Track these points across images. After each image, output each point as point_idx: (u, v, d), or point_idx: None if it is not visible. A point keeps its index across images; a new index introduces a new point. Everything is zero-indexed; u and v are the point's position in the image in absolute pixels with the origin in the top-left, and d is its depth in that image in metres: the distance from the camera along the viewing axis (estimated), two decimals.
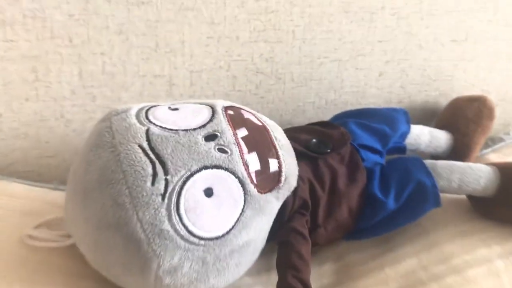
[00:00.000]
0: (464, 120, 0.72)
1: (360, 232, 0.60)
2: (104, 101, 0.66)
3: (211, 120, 0.48)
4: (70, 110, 0.66)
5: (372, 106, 0.76)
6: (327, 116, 0.71)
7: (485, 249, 0.57)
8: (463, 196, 0.64)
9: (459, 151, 0.71)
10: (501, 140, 0.77)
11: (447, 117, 0.75)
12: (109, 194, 0.43)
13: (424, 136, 0.69)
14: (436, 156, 0.71)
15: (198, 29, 0.66)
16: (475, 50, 0.78)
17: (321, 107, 0.76)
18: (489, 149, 0.76)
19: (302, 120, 0.74)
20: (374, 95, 0.77)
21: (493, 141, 0.78)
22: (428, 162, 0.60)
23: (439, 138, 0.71)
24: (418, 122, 0.74)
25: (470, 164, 0.61)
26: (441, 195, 0.60)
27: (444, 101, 0.79)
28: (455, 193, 0.61)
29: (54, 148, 0.68)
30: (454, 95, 0.78)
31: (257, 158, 0.48)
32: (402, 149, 0.67)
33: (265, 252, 0.53)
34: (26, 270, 0.51)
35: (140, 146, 0.44)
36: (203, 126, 0.47)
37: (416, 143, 0.69)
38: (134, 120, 0.46)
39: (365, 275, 0.57)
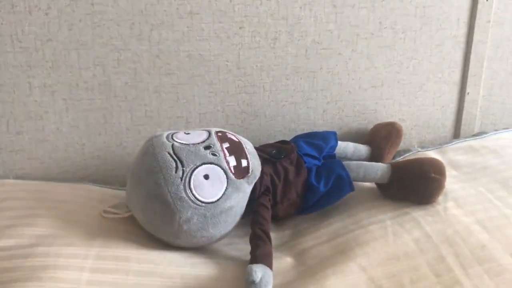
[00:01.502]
0: (378, 138, 1.04)
1: (306, 209, 0.91)
2: (146, 134, 0.99)
3: (208, 138, 0.80)
4: (125, 140, 1.00)
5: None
6: (289, 138, 1.00)
7: (382, 215, 0.87)
8: (374, 185, 0.95)
9: (374, 159, 1.02)
10: (409, 151, 1.08)
11: (369, 136, 1.07)
12: (152, 179, 0.75)
13: (349, 149, 1.01)
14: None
15: (203, 87, 1.00)
16: (390, 92, 1.10)
17: (285, 134, 1.07)
18: (401, 157, 1.06)
19: (273, 141, 0.99)
20: (321, 124, 1.08)
21: (404, 151, 1.08)
22: (345, 162, 0.92)
23: (361, 150, 1.03)
24: (353, 141, 1.05)
25: (373, 163, 0.93)
26: (357, 183, 0.92)
27: (371, 127, 1.10)
28: (362, 181, 0.92)
29: (115, 164, 1.01)
30: (378, 123, 1.10)
31: (234, 159, 0.79)
32: (332, 156, 0.99)
33: (246, 224, 0.81)
34: (103, 231, 0.79)
35: (169, 153, 0.76)
36: (203, 141, 0.79)
37: (343, 153, 1.01)
38: (165, 139, 0.79)
39: (308, 234, 0.87)
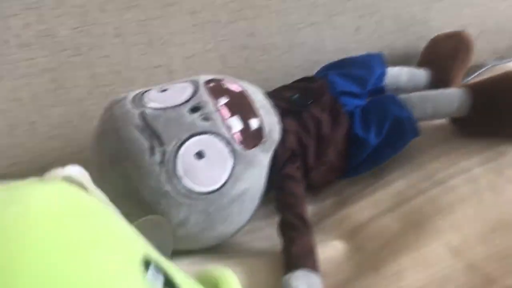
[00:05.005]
0: (441, 57, 0.77)
1: (353, 170, 0.66)
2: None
3: (194, 94, 0.54)
4: (89, 108, 0.76)
5: None
6: (313, 72, 0.76)
7: (466, 161, 0.62)
8: (443, 121, 0.69)
9: (438, 86, 0.74)
10: (483, 66, 0.82)
11: (426, 56, 0.81)
12: (118, 170, 0.51)
13: (402, 76, 0.75)
14: None
15: (183, 19, 0.75)
16: None
17: (308, 69, 0.80)
18: (473, 75, 0.80)
19: (292, 80, 0.78)
20: (355, 49, 0.82)
21: (475, 68, 0.82)
22: (402, 96, 0.65)
23: (418, 75, 0.76)
24: (400, 65, 0.78)
25: (442, 90, 0.66)
26: (422, 123, 0.65)
27: (424, 43, 0.84)
28: (431, 119, 0.66)
29: (82, 144, 0.75)
30: (433, 36, 0.82)
31: (239, 120, 0.54)
32: (381, 89, 0.72)
33: (269, 200, 0.59)
34: None
35: (137, 127, 0.51)
36: (187, 101, 0.53)
37: (395, 82, 0.74)
38: (130, 105, 0.53)
39: (359, 201, 0.63)
